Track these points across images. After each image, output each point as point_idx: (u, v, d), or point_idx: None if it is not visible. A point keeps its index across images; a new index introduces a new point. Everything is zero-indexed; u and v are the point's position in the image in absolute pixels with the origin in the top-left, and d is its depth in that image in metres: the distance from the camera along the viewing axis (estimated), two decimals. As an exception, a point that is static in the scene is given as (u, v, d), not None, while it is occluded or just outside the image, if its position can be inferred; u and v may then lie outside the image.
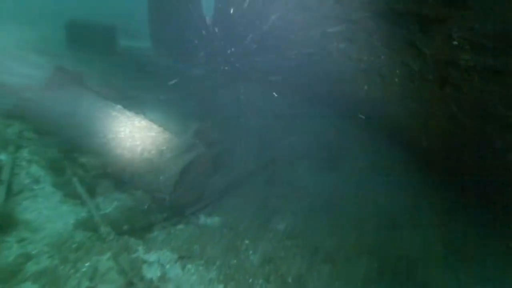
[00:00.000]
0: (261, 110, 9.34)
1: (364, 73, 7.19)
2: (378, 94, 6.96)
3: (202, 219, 4.98)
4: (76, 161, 4.77)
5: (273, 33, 10.00)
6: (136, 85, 9.35)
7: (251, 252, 4.37)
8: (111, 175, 4.78)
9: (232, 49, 11.58)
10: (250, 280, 3.91)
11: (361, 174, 6.70)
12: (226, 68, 12.14)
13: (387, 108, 6.87)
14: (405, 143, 6.89)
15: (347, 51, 7.49)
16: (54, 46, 12.67)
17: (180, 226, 4.56)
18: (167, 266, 3.84)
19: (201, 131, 5.10)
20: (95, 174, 4.70)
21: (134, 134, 4.91)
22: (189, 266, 3.92)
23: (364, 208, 5.85)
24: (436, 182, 6.40)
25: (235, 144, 6.79)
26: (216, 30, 12.13)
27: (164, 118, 7.13)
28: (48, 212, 4.06)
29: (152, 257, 3.91)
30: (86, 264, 3.56)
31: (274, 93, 10.03)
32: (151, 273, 3.69)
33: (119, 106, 5.23)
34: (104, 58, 11.56)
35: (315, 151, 7.35)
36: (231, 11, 11.17)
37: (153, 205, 4.60)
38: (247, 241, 4.56)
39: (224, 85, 11.49)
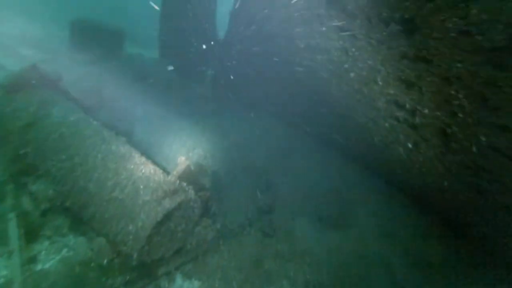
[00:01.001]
0: (263, 143, 8.38)
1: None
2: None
3: (178, 283, 3.87)
4: (25, 188, 3.71)
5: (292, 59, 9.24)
6: (129, 96, 8.41)
7: None
8: (67, 211, 3.71)
9: (242, 72, 10.82)
10: None
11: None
12: (231, 92, 11.33)
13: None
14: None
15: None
16: (54, 44, 11.90)
17: (145, 295, 3.45)
18: None
19: (192, 171, 4.09)
20: (46, 208, 3.63)
21: (108, 161, 3.89)
22: None
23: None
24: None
25: (229, 186, 5.79)
26: (227, 50, 11.42)
27: (151, 143, 6.15)
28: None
29: None
30: None
31: (280, 125, 9.14)
32: None
33: (96, 123, 4.21)
34: (105, 62, 10.73)
35: (320, 201, 6.32)
36: (246, 32, 10.51)
37: (116, 260, 3.51)
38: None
39: (225, 109, 10.61)
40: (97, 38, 11.05)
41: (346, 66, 5.56)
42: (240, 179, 6.42)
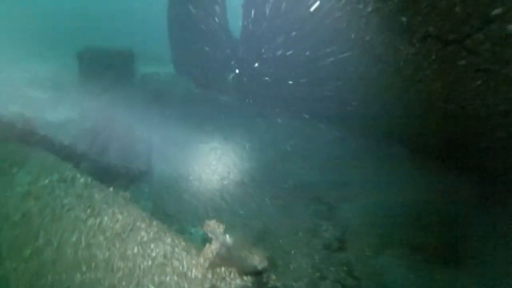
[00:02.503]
0: (306, 152, 6.82)
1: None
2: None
3: None
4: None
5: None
6: (144, 123, 7.26)
7: None
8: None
9: (266, 72, 9.34)
10: None
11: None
12: (259, 94, 9.88)
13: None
14: None
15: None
16: (65, 79, 11.22)
17: None
18: None
19: (230, 247, 2.47)
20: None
21: (96, 246, 2.52)
22: None
23: None
24: None
25: (281, 218, 4.35)
26: (245, 50, 10.00)
27: (173, 179, 4.89)
28: None
29: None
30: None
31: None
32: None
33: (83, 179, 2.90)
34: (117, 88, 9.80)
35: (401, 223, 4.64)
36: (262, 27, 9.03)
37: None
38: None
39: (254, 115, 9.17)
40: (106, 64, 10.17)
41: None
42: (292, 204, 4.93)
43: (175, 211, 4.46)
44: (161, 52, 15.53)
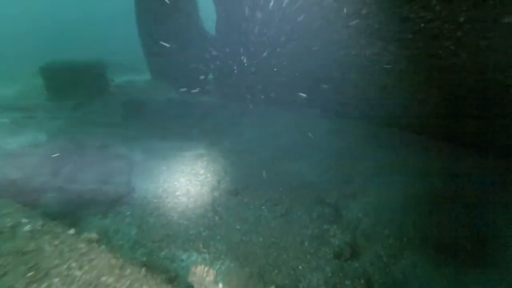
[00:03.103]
0: (305, 148, 6.35)
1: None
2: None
3: None
4: None
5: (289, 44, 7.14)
6: (120, 139, 6.62)
7: None
8: None
9: (246, 67, 8.79)
10: None
11: None
12: (241, 91, 9.34)
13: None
14: None
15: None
16: (31, 99, 10.40)
17: None
18: None
19: None
20: None
21: None
22: None
23: None
24: None
25: (283, 224, 3.86)
26: (222, 47, 9.42)
27: (156, 196, 4.33)
28: None
29: None
30: None
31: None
32: None
33: (28, 228, 2.33)
34: (90, 103, 9.09)
35: (422, 220, 4.22)
36: (236, 22, 8.46)
37: None
38: None
39: (242, 116, 8.64)
40: (74, 78, 9.44)
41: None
42: (292, 209, 4.44)
43: (163, 235, 3.91)
44: (137, 59, 14.76)
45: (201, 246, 3.77)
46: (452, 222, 3.75)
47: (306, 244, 3.79)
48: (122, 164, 5.28)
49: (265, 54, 7.84)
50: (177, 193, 4.89)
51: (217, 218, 4.31)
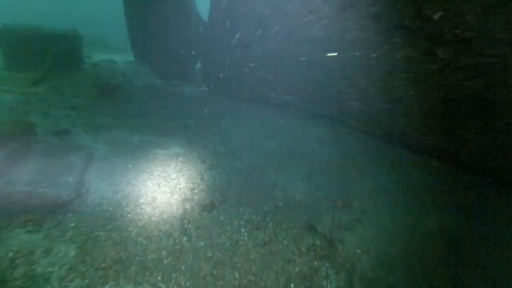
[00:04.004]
0: (296, 156, 5.64)
1: None
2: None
3: None
4: None
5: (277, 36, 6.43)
6: (81, 127, 5.67)
7: None
8: None
9: (241, 59, 7.96)
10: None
11: None
12: (231, 85, 8.52)
13: None
14: None
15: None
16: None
17: None
18: None
19: None
20: None
21: None
22: None
23: None
24: None
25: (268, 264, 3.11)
26: (213, 35, 8.54)
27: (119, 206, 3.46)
28: None
29: None
30: None
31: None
32: None
33: None
34: (57, 77, 7.97)
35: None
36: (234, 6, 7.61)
37: None
38: None
39: (229, 113, 7.82)
40: (39, 47, 8.26)
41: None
42: (277, 237, 3.69)
43: (112, 259, 3.05)
44: (124, 38, 13.56)
45: (159, 279, 2.95)
46: (475, 273, 3.11)
47: (292, 286, 3.04)
48: (78, 158, 4.34)
49: (260, 51, 7.06)
50: (141, 200, 4.03)
51: (185, 239, 3.49)
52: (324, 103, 6.44)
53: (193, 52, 9.22)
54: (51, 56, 7.73)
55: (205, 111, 7.74)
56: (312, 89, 6.52)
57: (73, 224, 3.36)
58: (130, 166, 4.75)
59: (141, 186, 4.32)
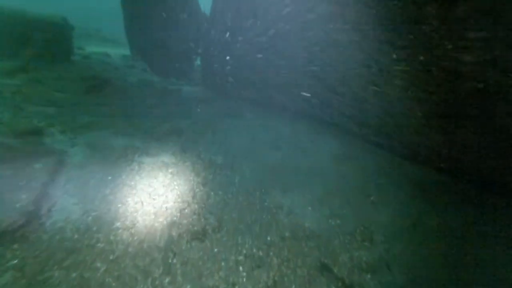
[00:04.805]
0: (303, 169, 4.92)
1: None
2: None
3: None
4: None
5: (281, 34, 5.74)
6: (57, 127, 4.91)
7: None
8: None
9: (242, 58, 7.23)
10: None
11: None
12: (232, 85, 7.79)
13: None
14: None
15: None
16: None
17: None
18: None
19: None
20: None
21: None
22: None
23: None
24: None
25: None
26: (216, 32, 7.81)
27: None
28: None
29: None
30: None
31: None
32: None
33: None
34: (41, 67, 7.20)
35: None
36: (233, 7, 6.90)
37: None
38: None
39: (229, 116, 7.09)
40: (24, 33, 7.50)
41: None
42: (283, 279, 2.95)
43: None
44: (122, 32, 12.86)
45: None
46: None
47: None
48: (43, 167, 3.58)
49: (259, 55, 6.34)
50: (117, 224, 3.28)
51: (167, 281, 2.74)
52: (338, 111, 5.73)
53: (192, 45, 8.49)
54: (33, 44, 6.96)
55: (203, 113, 7.01)
56: (322, 95, 5.81)
57: (15, 261, 2.59)
58: (109, 177, 3.99)
59: (120, 205, 3.56)
